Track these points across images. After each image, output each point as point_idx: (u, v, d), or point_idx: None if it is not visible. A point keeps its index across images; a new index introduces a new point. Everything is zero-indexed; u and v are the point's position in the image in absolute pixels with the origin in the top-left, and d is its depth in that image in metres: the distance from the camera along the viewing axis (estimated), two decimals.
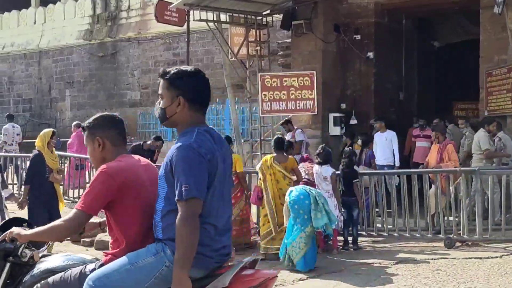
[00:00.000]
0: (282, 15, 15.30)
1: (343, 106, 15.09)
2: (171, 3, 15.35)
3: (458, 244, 8.85)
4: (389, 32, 15.52)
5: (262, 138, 15.44)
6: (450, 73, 18.64)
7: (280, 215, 8.55)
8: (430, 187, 9.80)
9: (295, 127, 13.68)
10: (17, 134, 16.26)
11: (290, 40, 15.90)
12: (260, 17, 15.03)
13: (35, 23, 28.85)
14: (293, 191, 7.66)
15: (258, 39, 15.00)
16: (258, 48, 15.02)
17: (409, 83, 16.53)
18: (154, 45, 25.62)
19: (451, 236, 8.85)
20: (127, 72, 26.25)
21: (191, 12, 15.82)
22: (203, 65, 24.20)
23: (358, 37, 14.92)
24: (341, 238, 9.02)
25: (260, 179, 8.79)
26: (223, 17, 14.77)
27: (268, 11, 15.19)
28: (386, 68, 15.43)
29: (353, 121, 14.81)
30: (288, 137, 12.47)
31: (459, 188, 9.00)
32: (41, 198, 7.84)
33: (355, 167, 9.48)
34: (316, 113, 14.44)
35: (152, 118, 23.19)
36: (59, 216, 8.25)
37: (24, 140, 17.48)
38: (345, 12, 15.11)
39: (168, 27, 24.45)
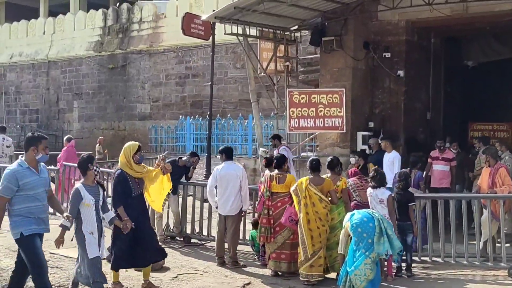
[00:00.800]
0: (310, 31, 15.06)
1: (371, 124, 14.78)
2: (198, 16, 15.05)
3: None
4: (419, 50, 15.27)
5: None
6: (476, 93, 18.38)
7: (317, 240, 8.19)
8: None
9: (282, 143, 13.31)
10: (7, 146, 15.84)
11: (311, 56, 15.62)
12: (288, 32, 14.71)
13: (44, 33, 28.52)
14: (355, 214, 7.28)
15: (286, 55, 14.68)
16: (287, 64, 14.69)
17: (436, 103, 16.24)
18: (166, 58, 25.29)
19: None
20: (137, 85, 25.90)
21: (217, 25, 15.60)
22: (216, 79, 23.79)
23: (388, 54, 14.65)
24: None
25: (296, 201, 8.43)
26: (251, 31, 14.45)
27: (296, 27, 14.92)
28: (415, 86, 15.17)
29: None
30: (274, 153, 12.08)
31: None
32: (130, 217, 7.38)
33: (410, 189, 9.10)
34: (344, 131, 14.11)
35: (164, 132, 22.82)
36: (150, 230, 7.89)
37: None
38: (375, 29, 14.84)
39: (180, 40, 24.24)
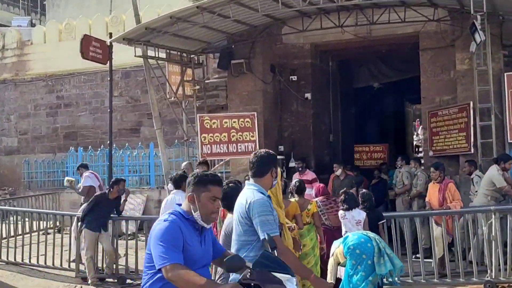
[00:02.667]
0: (213, 54, 14.68)
1: (282, 148, 14.61)
2: (96, 38, 14.08)
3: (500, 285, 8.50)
4: (321, 73, 15.41)
5: None
6: (366, 115, 18.93)
7: None
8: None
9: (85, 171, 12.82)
10: None
11: (218, 80, 15.25)
12: (193, 55, 14.18)
13: None
14: (349, 236, 6.90)
15: (193, 78, 14.13)
16: (197, 87, 14.14)
17: (335, 125, 16.46)
18: (34, 87, 23.51)
19: (488, 278, 8.50)
20: (1, 117, 23.84)
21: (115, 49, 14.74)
22: (92, 108, 22.69)
23: (295, 77, 14.64)
24: None
25: None
26: (157, 54, 13.76)
27: (200, 50, 14.45)
28: (320, 109, 15.25)
29: (292, 164, 14.32)
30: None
31: (491, 228, 8.70)
32: None
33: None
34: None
35: (40, 167, 21.14)
36: None
37: None
38: (280, 52, 14.79)
39: (50, 68, 22.93)
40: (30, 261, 11.23)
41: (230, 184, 5.76)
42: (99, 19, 22.52)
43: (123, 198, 10.08)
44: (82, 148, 19.86)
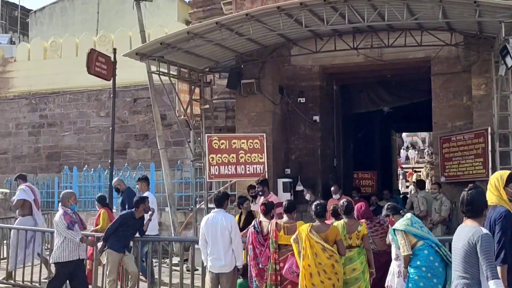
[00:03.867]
0: (219, 74, 14.37)
1: (288, 171, 14.30)
2: (102, 53, 13.64)
3: None
4: (327, 96, 15.23)
5: (198, 206, 14.08)
6: (360, 141, 18.81)
7: None
8: None
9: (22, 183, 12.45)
10: None
11: (225, 100, 14.92)
12: (202, 74, 13.83)
13: None
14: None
15: (201, 97, 13.76)
16: (206, 106, 13.76)
17: (338, 149, 16.26)
18: (16, 106, 22.78)
19: None
20: None
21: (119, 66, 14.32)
22: (77, 129, 22.08)
23: (303, 99, 14.40)
24: None
25: (296, 252, 7.51)
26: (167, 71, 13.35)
27: (207, 68, 14.11)
28: (327, 133, 15.04)
29: (300, 187, 14.04)
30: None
31: None
32: None
33: None
34: (266, 178, 13.42)
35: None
36: None
37: None
38: (289, 74, 14.57)
39: (34, 86, 22.36)
40: None
41: None
42: (86, 37, 22.04)
43: (146, 217, 9.56)
44: (76, 168, 19.09)
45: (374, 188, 19.86)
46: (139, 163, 19.48)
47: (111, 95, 21.45)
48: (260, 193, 11.31)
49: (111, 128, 14.11)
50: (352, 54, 13.68)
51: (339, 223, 7.83)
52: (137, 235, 9.50)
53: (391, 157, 25.38)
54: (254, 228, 8.15)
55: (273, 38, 13.15)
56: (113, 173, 18.43)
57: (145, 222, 9.52)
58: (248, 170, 13.39)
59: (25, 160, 22.43)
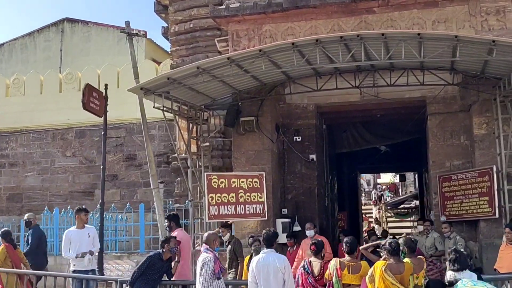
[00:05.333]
0: (211, 112, 14.07)
1: (285, 211, 13.99)
2: (96, 89, 13.12)
3: None
4: (319, 135, 15.12)
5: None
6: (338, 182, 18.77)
7: None
8: None
9: None
10: None
11: (222, 139, 14.57)
12: (200, 111, 13.47)
13: None
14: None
15: (200, 135, 13.38)
16: (206, 144, 13.37)
17: (327, 189, 16.12)
18: None
19: None
20: None
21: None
22: (41, 169, 21.17)
23: (299, 138, 14.22)
24: None
25: None
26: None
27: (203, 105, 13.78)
28: (321, 172, 14.86)
29: (297, 228, 13.72)
30: None
31: None
32: None
33: None
34: (266, 218, 13.13)
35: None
36: None
37: None
38: (284, 112, 14.40)
39: None
40: None
41: None
42: (51, 75, 21.37)
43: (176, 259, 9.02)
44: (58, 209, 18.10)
45: (345, 228, 19.75)
46: (112, 205, 18.65)
47: (78, 135, 21.05)
48: (168, 228, 10.68)
49: (101, 167, 13.43)
50: (347, 93, 13.68)
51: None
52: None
53: (357, 198, 25.44)
54: (304, 268, 7.79)
55: (275, 75, 13.00)
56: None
57: (172, 264, 8.97)
58: (248, 210, 13.08)
59: None
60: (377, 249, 8.43)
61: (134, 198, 20.19)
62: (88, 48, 23.92)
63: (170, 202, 18.03)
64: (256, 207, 13.05)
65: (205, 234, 8.37)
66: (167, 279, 8.98)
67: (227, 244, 11.91)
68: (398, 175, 33.33)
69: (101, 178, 13.35)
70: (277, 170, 13.88)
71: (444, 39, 10.65)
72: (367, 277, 7.23)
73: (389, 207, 33.25)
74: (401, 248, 7.47)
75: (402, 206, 32.69)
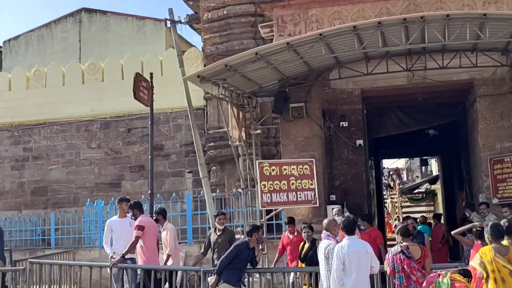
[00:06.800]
0: (261, 98, 13.89)
1: (333, 197, 13.85)
2: (144, 78, 12.88)
3: None
4: (363, 120, 14.97)
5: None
6: None
7: None
8: None
9: None
10: None
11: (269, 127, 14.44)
12: (250, 98, 13.29)
13: None
14: None
15: (250, 122, 13.19)
16: (258, 131, 13.19)
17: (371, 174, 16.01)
18: None
19: None
20: None
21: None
22: (65, 161, 20.91)
23: (346, 124, 14.06)
24: None
25: (481, 278, 7.05)
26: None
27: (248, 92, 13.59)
28: (366, 157, 14.73)
29: (346, 214, 13.55)
30: None
31: None
32: None
33: None
34: (317, 204, 12.95)
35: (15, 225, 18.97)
36: None
37: None
38: (329, 97, 14.23)
39: (17, 118, 21.21)
40: None
41: None
42: (73, 66, 21.08)
43: (259, 247, 8.87)
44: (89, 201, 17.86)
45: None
46: (142, 196, 18.36)
47: (103, 126, 20.79)
48: (132, 217, 10.38)
49: (149, 157, 13.17)
50: (394, 76, 13.55)
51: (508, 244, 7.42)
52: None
53: (381, 184, 25.37)
54: (404, 254, 7.64)
55: (326, 60, 12.82)
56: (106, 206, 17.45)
57: (256, 253, 8.81)
58: (300, 197, 12.87)
59: (8, 196, 21.04)
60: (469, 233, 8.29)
61: (162, 188, 19.97)
62: (107, 38, 23.57)
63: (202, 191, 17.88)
64: (307, 194, 12.85)
65: (325, 221, 8.29)
66: (252, 267, 8.82)
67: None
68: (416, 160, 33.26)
69: (150, 168, 13.12)
70: (325, 157, 13.73)
71: (509, 19, 10.50)
72: (477, 264, 7.07)
73: (403, 193, 33.21)
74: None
75: (416, 191, 32.65)
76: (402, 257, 7.62)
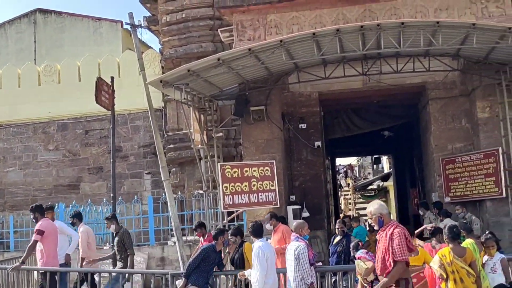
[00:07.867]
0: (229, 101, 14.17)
1: (293, 198, 14.23)
2: (106, 83, 13.00)
3: None
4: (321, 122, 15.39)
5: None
6: None
7: None
8: None
9: None
10: None
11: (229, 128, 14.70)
12: (211, 101, 13.55)
13: None
14: None
15: (211, 125, 13.46)
16: (220, 134, 13.46)
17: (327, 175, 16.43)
18: None
19: None
20: None
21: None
22: (23, 164, 20.77)
23: (304, 126, 14.46)
24: None
25: (442, 279, 7.45)
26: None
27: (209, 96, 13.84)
28: (324, 158, 15.16)
29: (306, 214, 13.99)
30: None
31: None
32: None
33: None
34: (278, 205, 13.29)
35: None
36: None
37: None
38: (288, 100, 14.60)
39: None
40: None
41: None
42: (29, 67, 20.93)
43: (226, 250, 9.14)
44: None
45: None
46: (104, 198, 18.38)
47: (60, 128, 20.70)
48: (34, 220, 10.25)
49: (111, 160, 13.30)
50: (349, 80, 13.98)
51: (469, 244, 7.90)
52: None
53: (336, 182, 25.92)
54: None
55: (285, 65, 13.15)
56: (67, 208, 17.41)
57: (223, 256, 9.10)
58: (261, 199, 13.20)
59: None
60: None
61: (121, 190, 20.00)
62: (62, 39, 23.46)
63: (163, 193, 18.00)
64: (268, 195, 13.18)
65: (294, 223, 8.49)
66: (219, 270, 9.08)
67: (114, 235, 10.85)
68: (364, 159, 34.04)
69: (112, 171, 13.25)
70: (285, 158, 14.09)
71: (460, 27, 11.03)
72: (437, 266, 7.44)
73: (356, 189, 33.94)
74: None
75: (369, 187, 33.42)
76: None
